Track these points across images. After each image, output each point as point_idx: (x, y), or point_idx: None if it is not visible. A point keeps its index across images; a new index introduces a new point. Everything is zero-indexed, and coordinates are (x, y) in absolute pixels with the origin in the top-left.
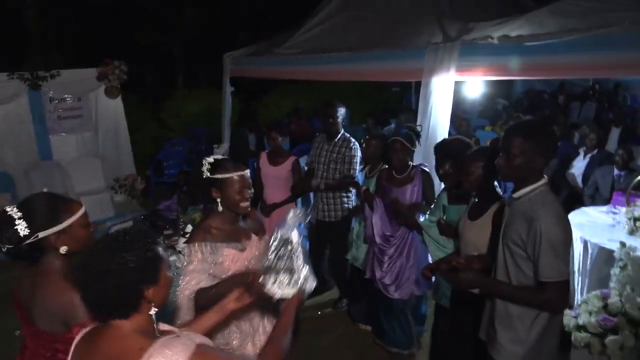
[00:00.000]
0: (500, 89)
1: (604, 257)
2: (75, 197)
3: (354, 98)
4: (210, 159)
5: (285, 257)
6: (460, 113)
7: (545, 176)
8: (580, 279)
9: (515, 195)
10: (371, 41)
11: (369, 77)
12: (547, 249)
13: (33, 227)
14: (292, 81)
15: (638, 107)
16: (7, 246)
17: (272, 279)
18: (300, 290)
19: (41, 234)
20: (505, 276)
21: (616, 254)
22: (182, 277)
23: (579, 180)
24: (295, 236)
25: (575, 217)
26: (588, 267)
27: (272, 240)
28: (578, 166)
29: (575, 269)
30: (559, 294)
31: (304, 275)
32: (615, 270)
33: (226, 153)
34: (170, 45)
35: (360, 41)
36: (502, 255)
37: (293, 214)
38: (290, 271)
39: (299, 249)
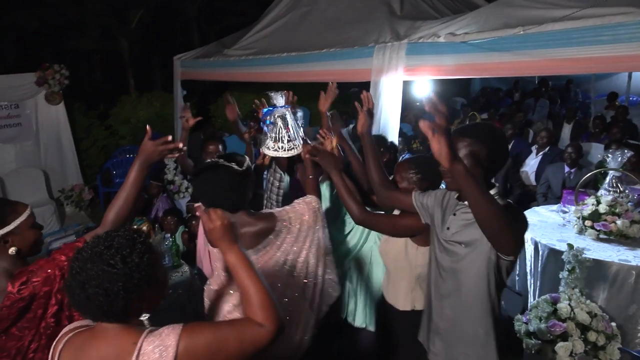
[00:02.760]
0: (458, 87)
1: (555, 258)
2: None
3: (314, 98)
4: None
5: (276, 129)
6: (417, 113)
7: (496, 184)
8: (532, 280)
9: (463, 202)
10: (323, 41)
11: (319, 78)
12: None
13: None
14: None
15: (589, 103)
16: None
17: (266, 144)
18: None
19: None
20: (484, 294)
21: (564, 257)
22: None
23: (532, 178)
24: (282, 113)
25: (527, 218)
26: (539, 268)
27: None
28: (531, 164)
29: (527, 270)
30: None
31: (292, 141)
32: (564, 274)
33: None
34: (119, 47)
35: (311, 41)
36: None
37: (280, 99)
38: (279, 139)
39: (288, 123)
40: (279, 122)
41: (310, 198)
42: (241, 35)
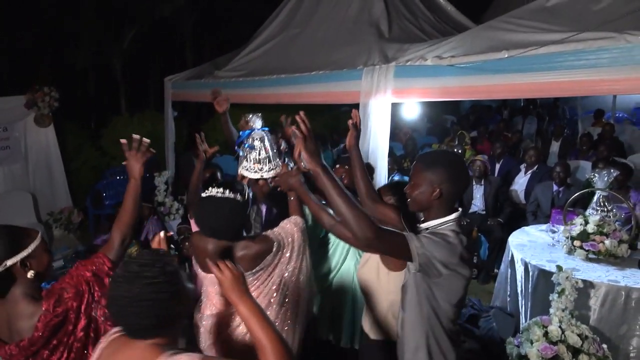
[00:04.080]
0: (448, 105)
1: (545, 279)
2: None
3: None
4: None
5: (256, 152)
6: (408, 131)
7: (459, 209)
8: (523, 302)
9: (423, 225)
10: (313, 63)
11: (309, 100)
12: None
13: (0, 257)
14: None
15: (576, 120)
16: None
17: (245, 166)
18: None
19: (9, 262)
20: (417, 305)
21: (554, 279)
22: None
23: (522, 196)
24: (260, 135)
25: (516, 237)
26: (530, 290)
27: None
28: (520, 182)
29: (518, 291)
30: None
31: (271, 162)
32: (554, 296)
33: (170, 180)
34: (111, 68)
35: (301, 63)
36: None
37: (258, 121)
38: (260, 160)
39: (266, 145)
40: (258, 145)
41: (295, 218)
42: (232, 56)
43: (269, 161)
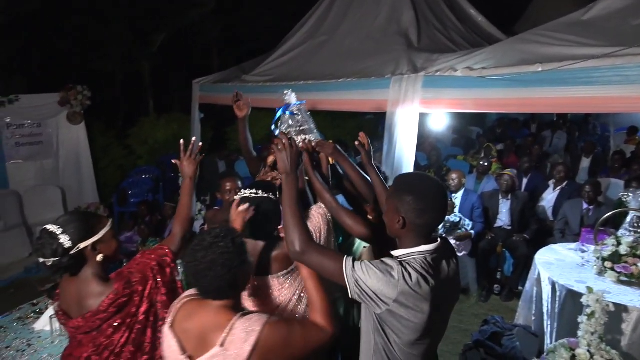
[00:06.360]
0: (474, 116)
1: (573, 300)
2: (32, 228)
3: (329, 125)
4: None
5: (293, 124)
6: (432, 142)
7: (437, 241)
8: (549, 322)
9: (392, 253)
10: (340, 71)
11: (336, 107)
12: None
13: (74, 239)
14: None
15: (608, 136)
16: (53, 259)
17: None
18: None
19: (82, 245)
20: (366, 334)
21: (583, 300)
22: None
23: (550, 213)
24: (297, 108)
25: (544, 255)
26: (557, 310)
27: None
28: (548, 199)
29: (544, 310)
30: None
31: (308, 134)
32: (582, 318)
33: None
34: (140, 69)
35: (329, 70)
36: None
37: (293, 96)
38: (299, 132)
39: (304, 117)
40: (299, 116)
41: (321, 208)
42: (260, 61)
43: (310, 132)
